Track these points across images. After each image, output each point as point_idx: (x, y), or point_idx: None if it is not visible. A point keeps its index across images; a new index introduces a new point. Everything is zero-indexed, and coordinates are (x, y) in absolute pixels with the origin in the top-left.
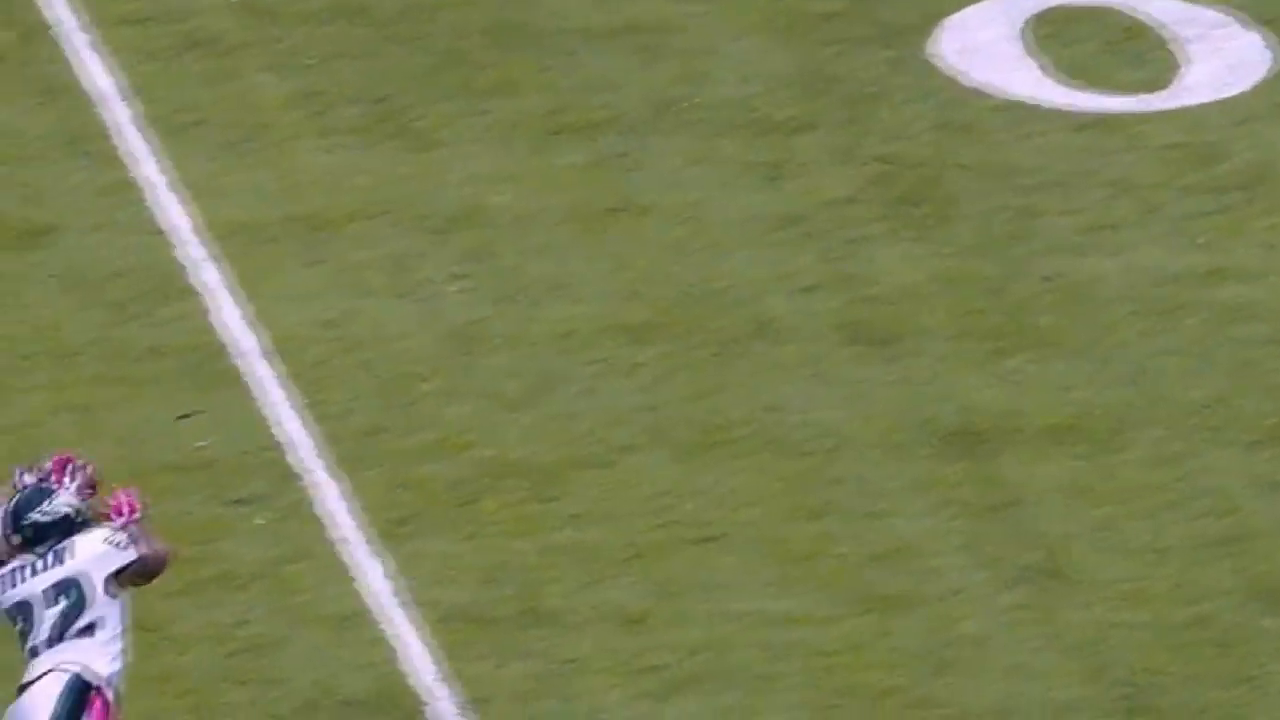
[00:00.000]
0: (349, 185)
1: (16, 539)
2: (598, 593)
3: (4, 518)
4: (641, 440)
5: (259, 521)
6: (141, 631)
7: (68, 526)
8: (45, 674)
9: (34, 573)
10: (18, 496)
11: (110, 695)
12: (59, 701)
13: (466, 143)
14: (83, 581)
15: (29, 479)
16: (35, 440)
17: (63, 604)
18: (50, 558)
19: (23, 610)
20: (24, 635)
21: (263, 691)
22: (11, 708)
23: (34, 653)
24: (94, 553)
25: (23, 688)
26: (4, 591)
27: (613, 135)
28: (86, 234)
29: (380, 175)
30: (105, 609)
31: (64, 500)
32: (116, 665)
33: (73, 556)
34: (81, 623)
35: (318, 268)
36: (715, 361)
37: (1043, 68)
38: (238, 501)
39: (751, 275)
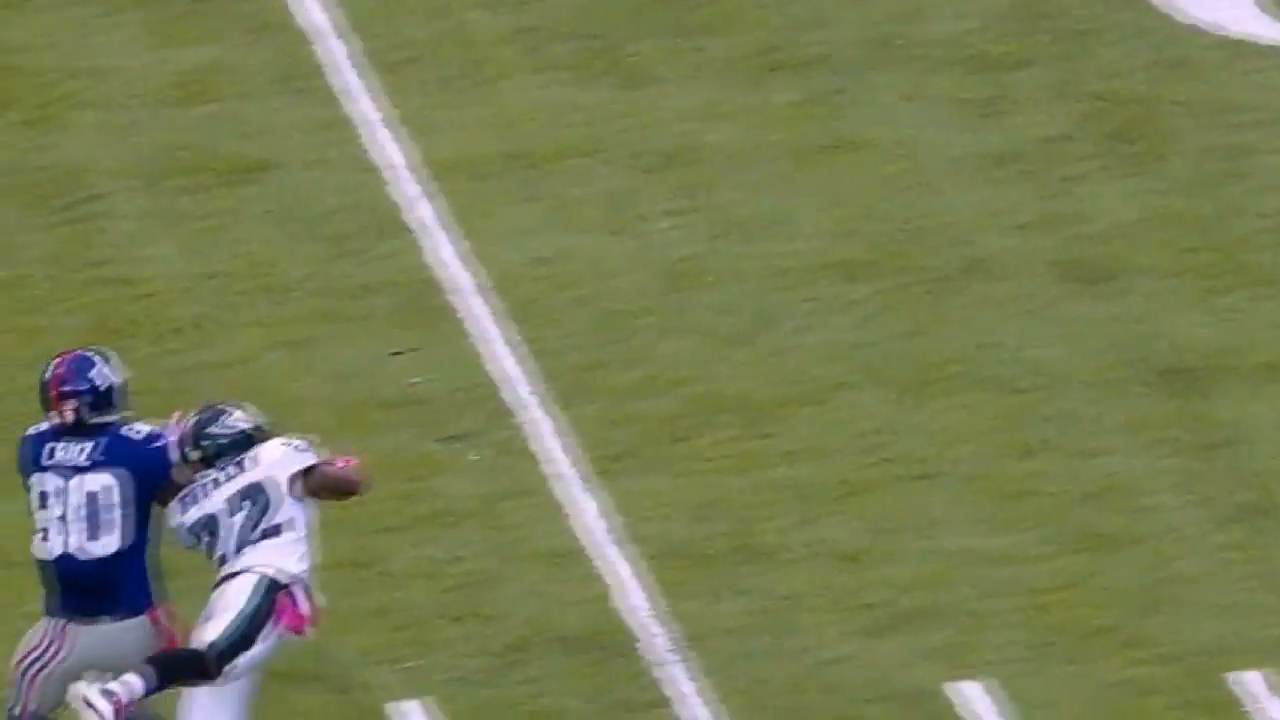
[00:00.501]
0: (563, 122)
1: (196, 454)
2: (812, 530)
3: (182, 438)
4: (855, 377)
5: (473, 458)
6: (356, 568)
7: (246, 442)
8: (237, 573)
9: (217, 485)
10: (197, 416)
11: (301, 594)
12: (250, 600)
13: (680, 79)
14: (267, 486)
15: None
16: (250, 376)
17: (249, 508)
18: (232, 469)
19: (208, 524)
20: (210, 549)
21: (478, 627)
22: (206, 608)
23: (223, 560)
24: (275, 457)
25: (216, 588)
26: (187, 511)
27: (827, 72)
28: (301, 170)
29: (594, 112)
30: (292, 510)
31: (240, 418)
32: (305, 565)
33: (255, 464)
34: (268, 524)
35: (532, 204)
36: (929, 299)
37: (1259, 4)
38: (451, 438)
39: (965, 212)
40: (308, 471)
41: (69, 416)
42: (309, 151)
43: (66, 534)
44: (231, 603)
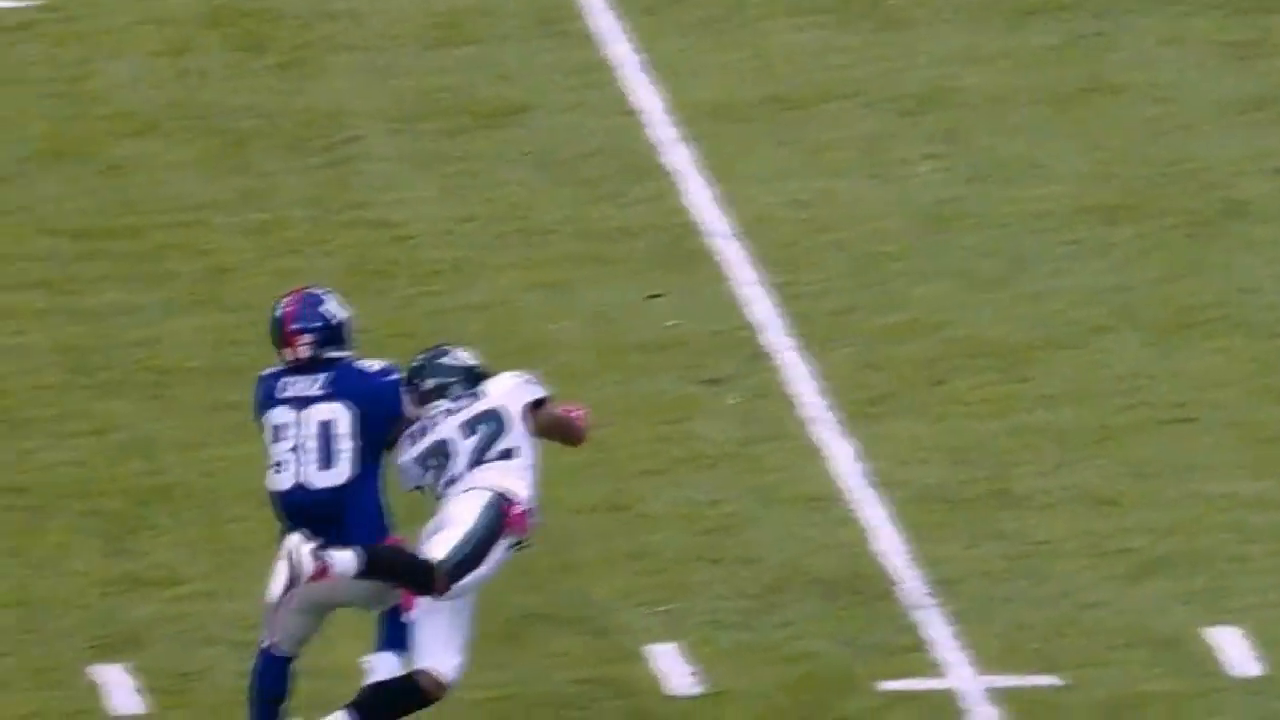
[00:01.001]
0: (822, 65)
1: (431, 383)
2: (1069, 474)
3: (412, 371)
4: (1113, 321)
5: (729, 401)
6: (613, 511)
7: (473, 377)
8: (467, 491)
9: (448, 415)
10: (423, 355)
11: (528, 516)
12: (479, 517)
13: (938, 22)
14: (500, 412)
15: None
16: (507, 318)
17: (481, 432)
18: (464, 399)
19: (438, 451)
20: (437, 476)
21: (734, 570)
22: (433, 521)
23: (450, 482)
24: (507, 387)
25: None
26: (418, 441)
27: (1086, 15)
28: (558, 114)
29: (853, 55)
30: (521, 439)
31: (466, 355)
32: (531, 492)
33: (487, 394)
34: (499, 448)
35: (789, 148)
36: (1188, 242)
37: None
38: (708, 381)
39: (1225, 156)
40: (537, 407)
41: (302, 352)
42: (566, 94)
43: (298, 465)
44: (461, 518)
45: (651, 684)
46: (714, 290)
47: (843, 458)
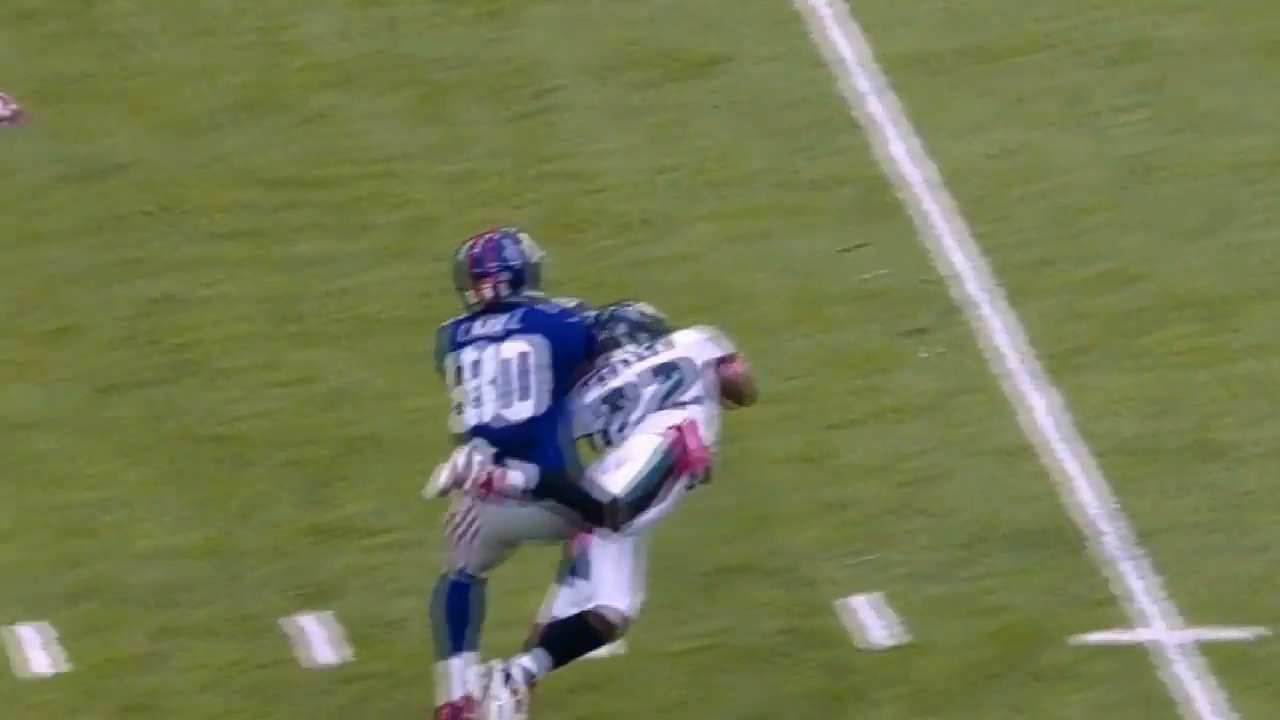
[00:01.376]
0: (1023, 15)
1: (615, 330)
2: (1274, 426)
3: (596, 319)
4: None
5: (926, 354)
6: (811, 462)
7: (657, 328)
8: (644, 432)
9: (627, 364)
10: (609, 306)
11: (704, 455)
12: (654, 458)
13: None
14: (683, 365)
15: None
16: (704, 270)
17: (662, 382)
18: (648, 348)
19: (615, 397)
20: (610, 423)
21: (932, 523)
22: (609, 458)
23: (625, 427)
24: (692, 340)
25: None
26: (597, 386)
27: None
28: (758, 64)
29: (1054, 6)
30: (703, 392)
31: (650, 308)
32: (713, 437)
33: (671, 346)
34: (680, 399)
35: (987, 99)
36: None
37: None
38: (906, 333)
39: None
40: (719, 364)
41: (487, 294)
42: (766, 45)
43: (482, 403)
44: (636, 457)
45: (849, 636)
46: (912, 242)
47: (1042, 409)
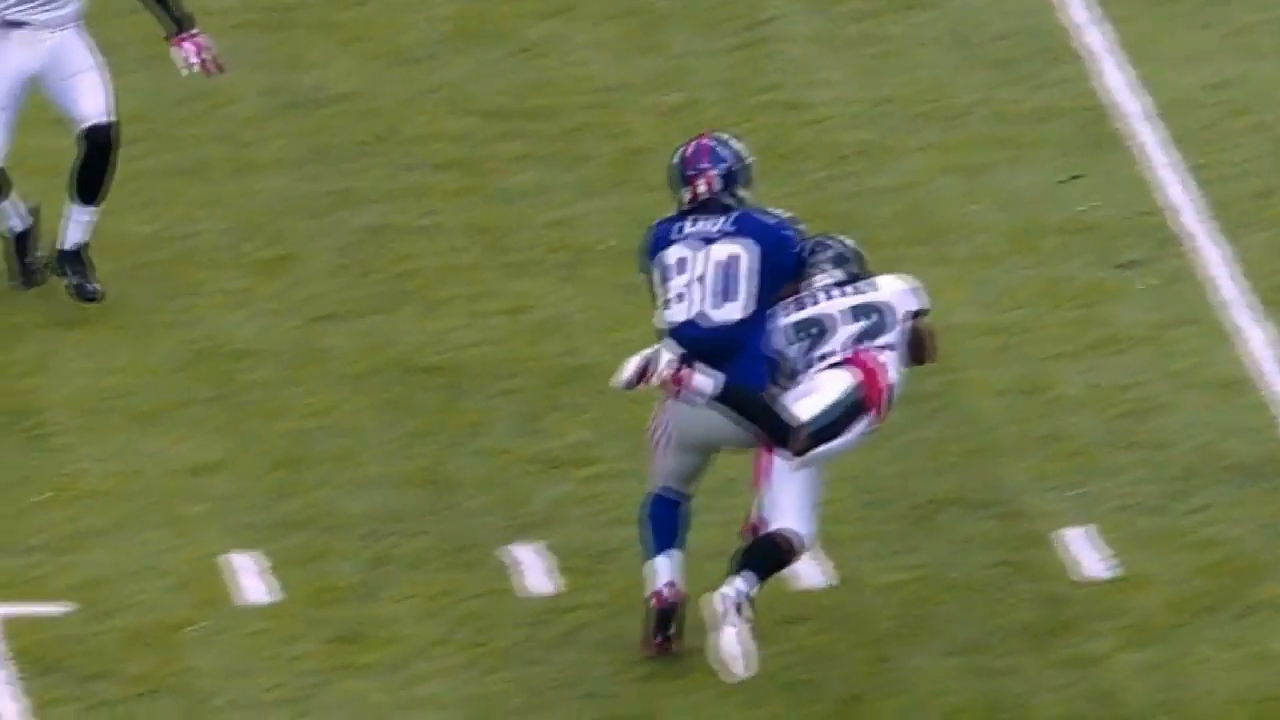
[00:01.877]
0: None
1: (828, 254)
2: None
3: (807, 245)
4: None
5: (1142, 285)
6: (1026, 394)
7: (861, 265)
8: (837, 366)
9: (829, 296)
10: (820, 234)
11: (889, 400)
12: (846, 392)
13: None
14: (884, 310)
15: None
16: (920, 201)
17: (864, 322)
18: (852, 286)
19: (815, 325)
20: (808, 350)
21: (1148, 455)
22: (800, 386)
23: (819, 358)
24: (897, 288)
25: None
26: (795, 311)
27: None
28: None
29: None
30: (897, 340)
31: (853, 241)
32: (896, 379)
33: (875, 289)
34: (877, 342)
35: (1207, 30)
36: None
37: None
38: (1122, 265)
39: None
40: (914, 316)
41: (701, 190)
42: None
43: (692, 300)
44: (827, 388)
45: (1063, 569)
46: (1129, 173)
47: (1260, 341)
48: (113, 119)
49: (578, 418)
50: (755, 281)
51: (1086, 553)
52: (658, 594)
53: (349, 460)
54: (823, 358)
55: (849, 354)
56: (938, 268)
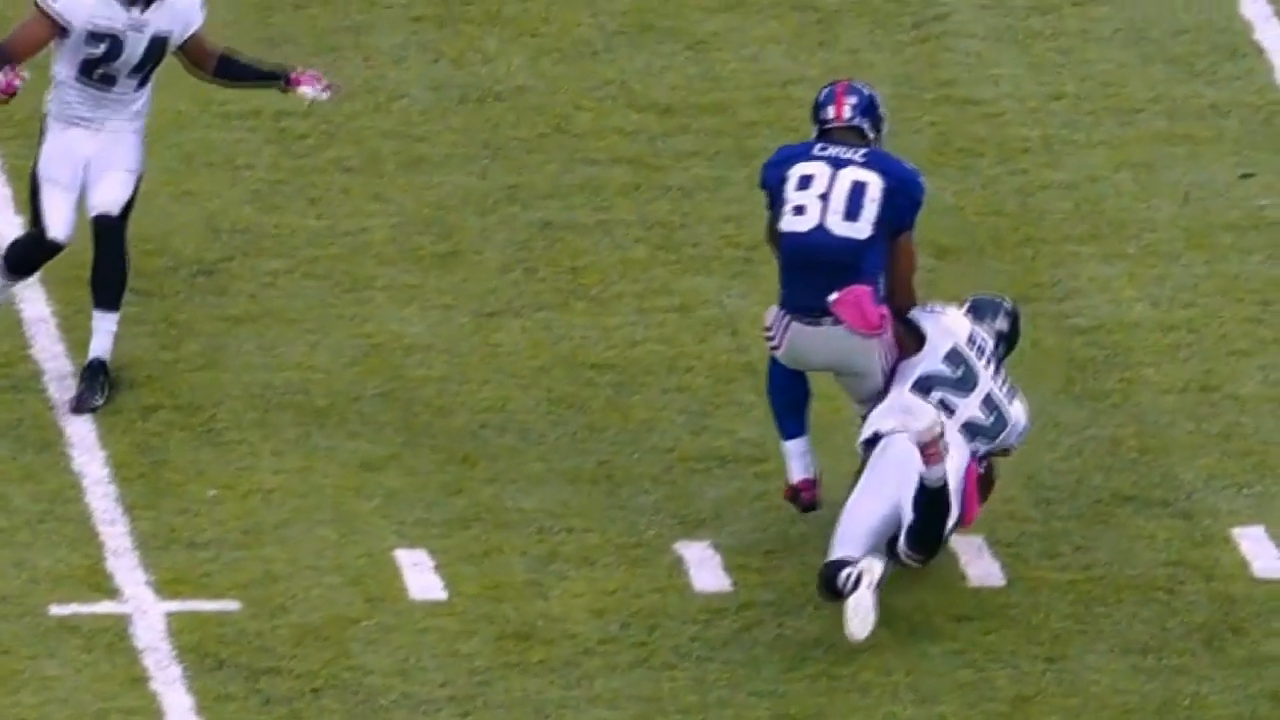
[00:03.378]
0: None
1: (998, 325)
2: None
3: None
4: None
5: None
6: (1202, 392)
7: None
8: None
9: (995, 372)
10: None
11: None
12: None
13: None
14: (1004, 422)
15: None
16: (1095, 196)
17: (984, 415)
18: (1003, 375)
19: (967, 372)
20: (942, 383)
21: None
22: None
23: (937, 402)
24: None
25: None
26: (974, 344)
27: None
28: None
29: None
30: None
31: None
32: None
33: (1015, 396)
34: (977, 443)
35: None
36: None
37: None
38: None
39: None
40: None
41: (845, 112)
42: None
43: (824, 210)
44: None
45: (1239, 567)
46: None
47: None
48: (122, 217)
49: (747, 415)
50: (877, 210)
51: (1262, 551)
52: (791, 487)
53: (519, 457)
54: (944, 405)
55: (964, 452)
56: (1112, 264)
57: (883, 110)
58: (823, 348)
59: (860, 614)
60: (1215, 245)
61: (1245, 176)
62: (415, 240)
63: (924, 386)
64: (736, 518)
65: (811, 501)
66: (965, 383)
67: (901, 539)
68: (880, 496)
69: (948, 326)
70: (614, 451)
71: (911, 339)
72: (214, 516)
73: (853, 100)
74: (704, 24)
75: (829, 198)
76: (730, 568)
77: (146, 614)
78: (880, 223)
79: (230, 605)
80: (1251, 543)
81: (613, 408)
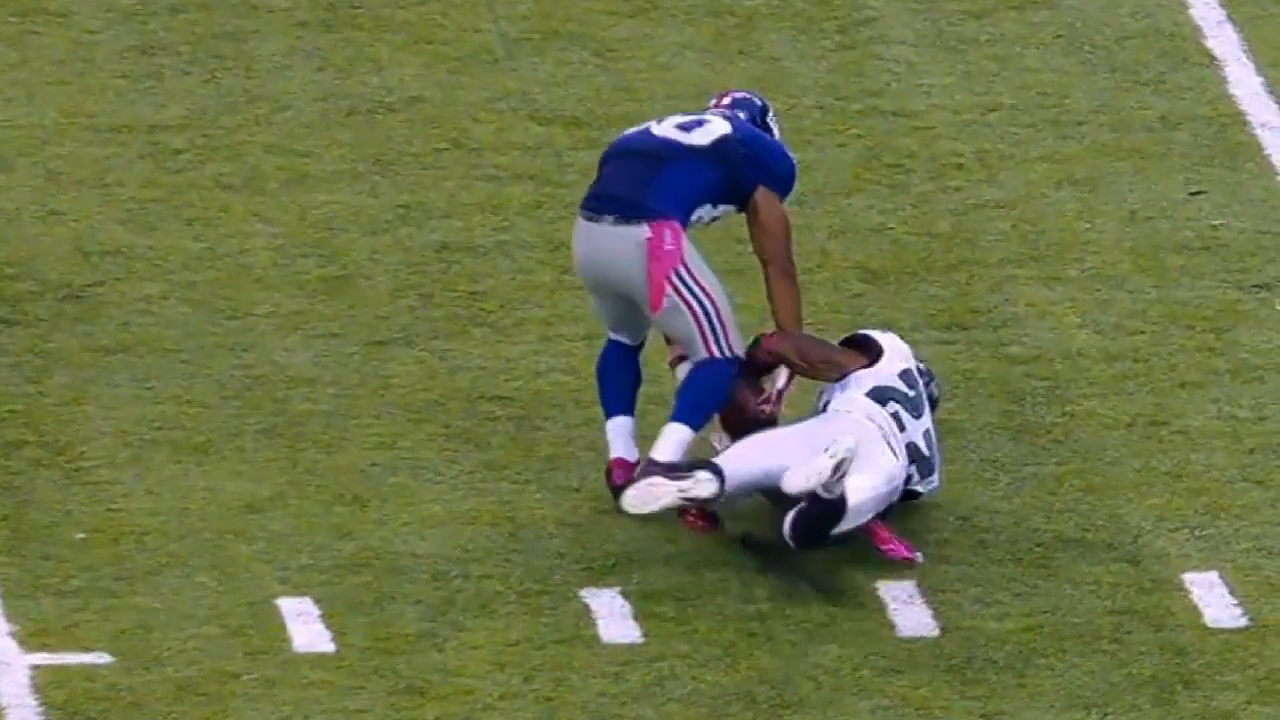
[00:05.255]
0: None
1: (932, 392)
2: None
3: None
4: None
5: (1278, 308)
6: (1150, 426)
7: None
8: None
9: (927, 420)
10: None
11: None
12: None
13: None
14: (923, 461)
15: None
16: (1034, 215)
17: (912, 464)
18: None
19: (910, 404)
20: (887, 409)
21: None
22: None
23: (885, 420)
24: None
25: None
26: (913, 387)
27: None
28: None
29: None
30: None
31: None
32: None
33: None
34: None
35: None
36: None
37: None
38: (1255, 286)
39: None
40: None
41: (724, 101)
42: None
43: (657, 122)
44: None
45: (1191, 616)
46: (1263, 186)
47: None
48: None
49: None
50: (713, 141)
51: (1215, 599)
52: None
53: (413, 497)
54: (897, 419)
55: (901, 464)
56: (1053, 288)
57: (773, 121)
58: (603, 249)
59: (645, 497)
60: (1164, 268)
61: (1196, 194)
62: (300, 263)
63: (880, 398)
64: (647, 563)
65: (620, 484)
66: (916, 407)
67: (788, 518)
68: (781, 451)
69: (899, 348)
70: (515, 491)
71: (848, 351)
72: (83, 562)
73: (739, 96)
74: (613, 29)
75: (666, 118)
76: (641, 617)
77: (10, 667)
78: (716, 152)
79: (101, 658)
80: (1203, 589)
81: (514, 444)
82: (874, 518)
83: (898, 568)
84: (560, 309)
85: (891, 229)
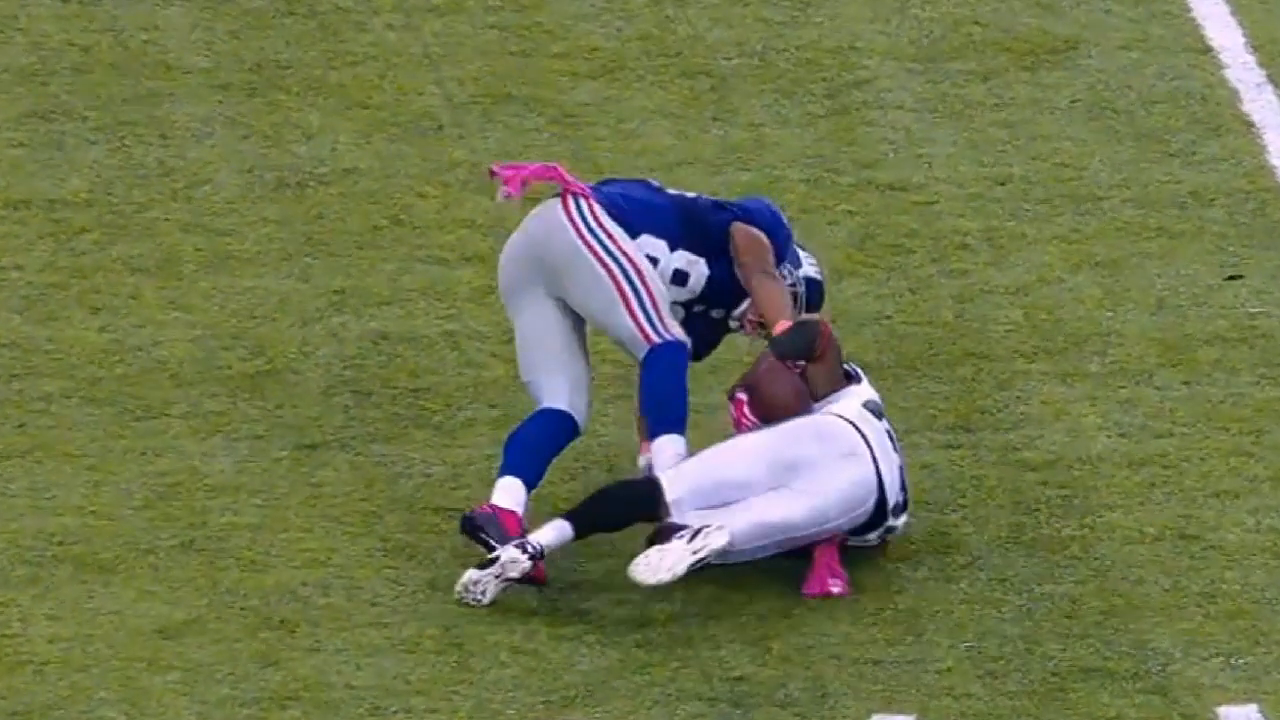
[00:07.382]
0: None
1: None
2: None
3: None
4: None
5: None
6: (1180, 540)
7: None
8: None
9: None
10: None
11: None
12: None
13: None
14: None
15: None
16: (1049, 302)
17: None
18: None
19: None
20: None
21: None
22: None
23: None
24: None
25: None
26: (878, 415)
27: None
28: (1115, 52)
29: None
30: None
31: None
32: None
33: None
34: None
35: None
36: None
37: None
38: None
39: None
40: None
41: None
42: (1125, 28)
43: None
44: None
45: None
46: None
47: None
48: None
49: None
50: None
51: None
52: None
53: (348, 621)
54: (891, 436)
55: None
56: (1070, 385)
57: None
58: (529, 229)
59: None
60: (1195, 362)
61: (1232, 278)
62: (221, 357)
63: (876, 411)
64: (612, 695)
65: (478, 517)
66: (895, 435)
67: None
68: (740, 471)
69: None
70: (463, 615)
71: (829, 370)
72: None
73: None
74: (573, 93)
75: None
76: None
77: None
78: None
79: None
80: None
81: (462, 561)
82: (833, 544)
83: (895, 704)
84: (514, 407)
85: (889, 318)
